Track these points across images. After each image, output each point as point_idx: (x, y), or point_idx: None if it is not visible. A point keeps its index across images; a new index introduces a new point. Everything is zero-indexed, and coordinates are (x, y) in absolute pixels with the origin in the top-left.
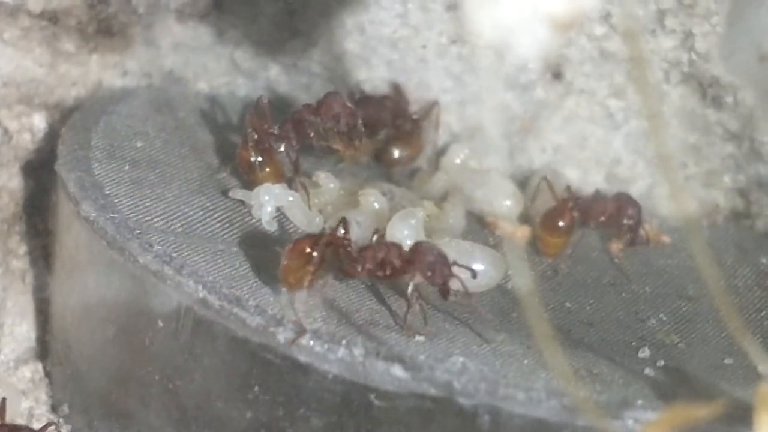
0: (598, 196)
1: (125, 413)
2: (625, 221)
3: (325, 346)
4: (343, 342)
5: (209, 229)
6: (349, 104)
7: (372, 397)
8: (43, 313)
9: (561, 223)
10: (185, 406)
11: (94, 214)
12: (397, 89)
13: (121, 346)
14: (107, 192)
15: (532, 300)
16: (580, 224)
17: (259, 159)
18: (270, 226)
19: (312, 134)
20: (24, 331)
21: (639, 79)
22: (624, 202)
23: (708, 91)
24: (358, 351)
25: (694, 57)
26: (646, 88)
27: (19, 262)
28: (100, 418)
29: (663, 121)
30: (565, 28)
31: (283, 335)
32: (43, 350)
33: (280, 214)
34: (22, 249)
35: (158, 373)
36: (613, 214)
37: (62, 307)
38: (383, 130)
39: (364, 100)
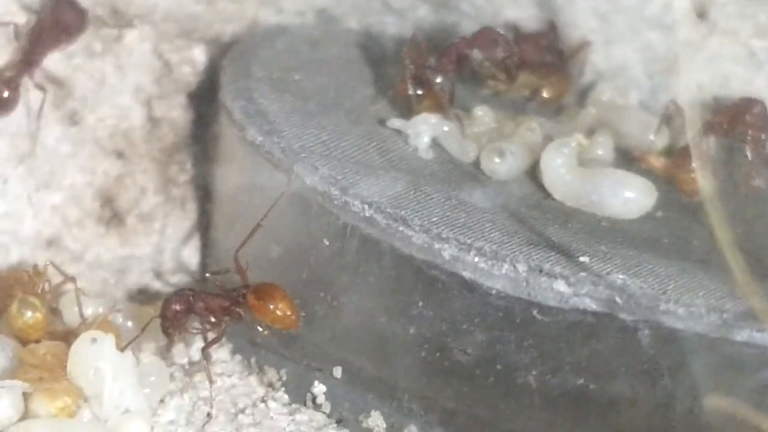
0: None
1: (290, 331)
2: (749, 118)
3: (490, 262)
4: (507, 258)
5: (368, 157)
6: (504, 36)
7: (534, 312)
8: (203, 239)
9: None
10: (349, 324)
11: (260, 139)
12: (551, 26)
13: (286, 266)
14: (270, 119)
15: (717, 209)
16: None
17: (417, 91)
18: (426, 155)
19: (468, 66)
20: (185, 256)
21: None
22: (746, 101)
23: None
24: (521, 267)
25: None
26: None
27: (179, 190)
28: (263, 337)
29: None
30: None
31: (448, 252)
32: (204, 274)
33: (436, 144)
34: (182, 177)
35: (323, 292)
36: (739, 113)
37: (224, 231)
38: (536, 68)
39: (518, 38)
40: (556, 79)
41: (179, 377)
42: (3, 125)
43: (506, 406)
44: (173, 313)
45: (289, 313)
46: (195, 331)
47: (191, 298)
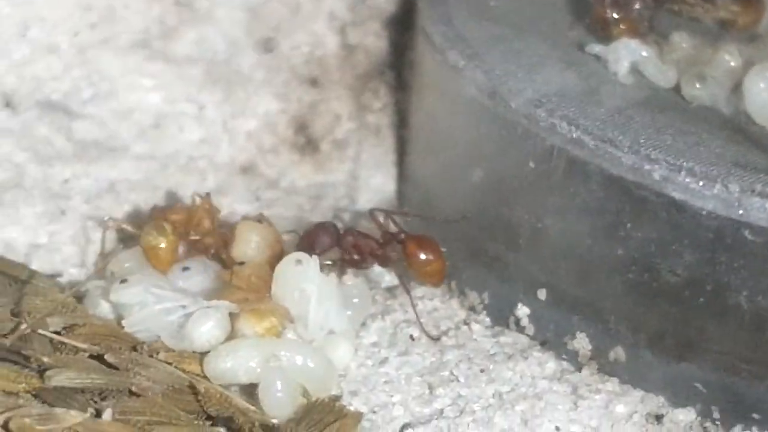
0: None
1: (491, 255)
2: None
3: (701, 183)
4: (719, 179)
5: (568, 81)
6: None
7: (746, 232)
8: (399, 165)
9: None
10: (554, 246)
11: (462, 63)
12: None
13: (488, 189)
14: (471, 44)
15: None
16: None
17: (615, 16)
18: (626, 80)
19: None
20: (379, 182)
21: None
22: None
23: None
24: (733, 187)
25: None
26: None
27: (373, 117)
28: (465, 261)
29: None
30: None
31: (658, 173)
32: (400, 200)
33: (635, 70)
34: (376, 104)
35: (527, 214)
36: None
37: (422, 157)
38: None
39: None
40: (751, 5)
41: (380, 300)
42: (198, 52)
43: (715, 328)
44: (316, 244)
45: (440, 270)
46: (330, 262)
47: (339, 233)
